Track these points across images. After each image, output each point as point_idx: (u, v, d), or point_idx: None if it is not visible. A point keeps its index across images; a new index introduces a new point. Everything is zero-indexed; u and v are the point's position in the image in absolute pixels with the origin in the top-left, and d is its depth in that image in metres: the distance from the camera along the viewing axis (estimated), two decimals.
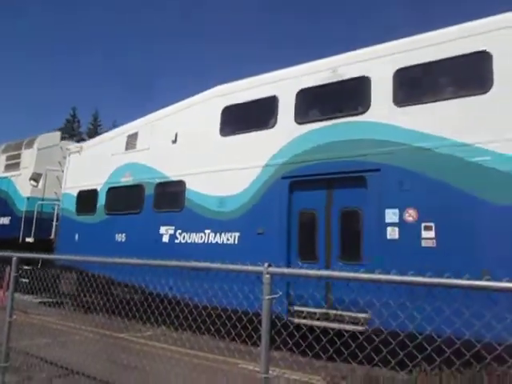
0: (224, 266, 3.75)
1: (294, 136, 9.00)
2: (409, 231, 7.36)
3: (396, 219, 7.52)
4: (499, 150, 6.79)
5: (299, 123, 9.05)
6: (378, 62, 8.35)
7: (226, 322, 4.90)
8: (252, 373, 5.92)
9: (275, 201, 8.94)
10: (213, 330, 4.89)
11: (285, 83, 9.44)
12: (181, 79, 75.62)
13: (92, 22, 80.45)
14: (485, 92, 7.12)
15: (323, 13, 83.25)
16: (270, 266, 3.34)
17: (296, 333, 4.08)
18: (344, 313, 7.47)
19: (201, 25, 79.91)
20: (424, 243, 7.19)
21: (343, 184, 8.33)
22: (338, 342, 3.97)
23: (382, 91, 8.13)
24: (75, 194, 13.15)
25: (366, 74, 8.39)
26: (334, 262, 8.16)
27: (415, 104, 7.81)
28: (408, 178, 7.55)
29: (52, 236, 14.38)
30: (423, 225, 7.27)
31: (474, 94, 7.23)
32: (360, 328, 6.90)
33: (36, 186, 15.65)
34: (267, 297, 3.28)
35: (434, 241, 7.13)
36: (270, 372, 3.20)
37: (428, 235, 7.21)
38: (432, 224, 7.20)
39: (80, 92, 73.65)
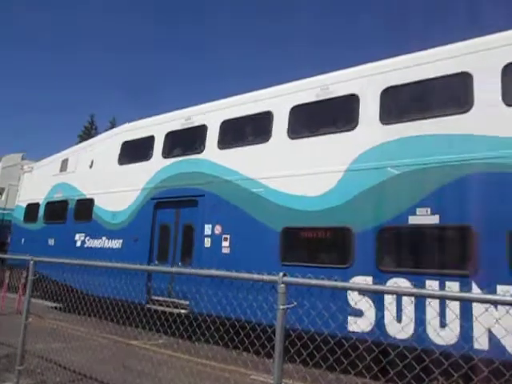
0: (239, 275, 3.75)
1: (161, 167, 11.69)
2: (216, 241, 9.97)
3: (210, 232, 10.15)
4: (270, 184, 9.33)
5: (164, 157, 11.74)
6: (211, 115, 11.01)
7: (240, 331, 4.88)
8: None
9: (146, 216, 11.61)
10: (226, 338, 4.88)
11: (160, 127, 12.18)
12: (191, 83, 76.30)
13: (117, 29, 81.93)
14: (266, 142, 9.71)
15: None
16: (284, 275, 3.32)
17: (310, 344, 4.04)
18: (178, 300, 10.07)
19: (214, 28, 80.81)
20: (223, 250, 9.83)
21: (185, 205, 10.91)
22: (353, 354, 3.92)
23: (213, 138, 10.73)
24: (25, 205, 15.98)
25: (204, 123, 11.05)
26: (177, 262, 10.92)
27: (228, 148, 10.45)
28: (218, 201, 10.14)
29: (8, 240, 17.05)
30: (223, 236, 9.89)
31: (259, 143, 9.86)
32: (182, 311, 9.12)
33: None
34: (282, 306, 3.25)
35: (229, 248, 9.77)
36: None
37: (225, 244, 9.84)
38: (228, 236, 9.83)
39: (98, 98, 74.76)
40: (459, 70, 7.59)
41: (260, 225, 9.27)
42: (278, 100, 9.76)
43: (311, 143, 8.98)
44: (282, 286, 3.28)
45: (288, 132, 9.33)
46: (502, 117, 7.06)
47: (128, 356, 7.75)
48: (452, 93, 7.92)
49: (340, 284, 3.33)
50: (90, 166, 13.78)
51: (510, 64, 7.12)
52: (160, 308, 9.68)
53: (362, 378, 5.42)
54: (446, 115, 7.52)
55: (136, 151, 12.64)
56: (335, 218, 8.27)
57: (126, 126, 13.41)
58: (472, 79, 7.41)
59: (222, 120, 10.62)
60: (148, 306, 10.32)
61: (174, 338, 8.07)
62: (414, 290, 3.20)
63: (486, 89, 7.25)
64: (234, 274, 3.83)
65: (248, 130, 10.49)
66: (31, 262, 5.84)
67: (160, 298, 10.29)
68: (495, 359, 3.28)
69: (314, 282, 3.30)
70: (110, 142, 13.49)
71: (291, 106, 9.43)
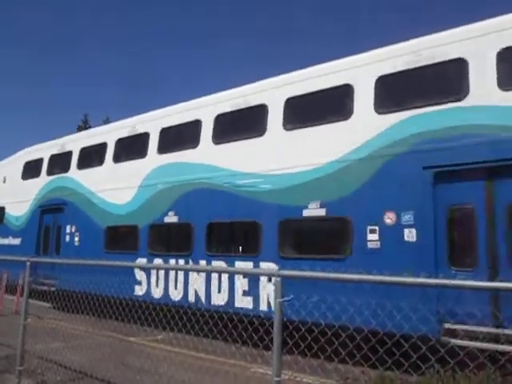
0: (238, 270, 3.78)
1: (45, 182, 15.27)
2: (72, 237, 13.72)
3: (69, 231, 13.90)
4: (101, 196, 12.85)
5: (47, 175, 15.29)
6: (76, 144, 14.52)
7: (238, 324, 4.92)
8: (264, 376, 5.93)
9: (36, 219, 15.36)
10: (225, 333, 4.91)
11: (48, 151, 15.67)
12: (187, 80, 76.07)
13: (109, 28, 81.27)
14: (101, 165, 13.26)
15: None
16: (280, 268, 3.35)
17: (308, 336, 4.09)
18: None
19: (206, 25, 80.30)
20: (75, 243, 13.52)
21: (58, 211, 14.39)
22: (351, 345, 3.97)
23: (74, 161, 14.23)
24: None
25: (71, 149, 14.55)
26: (53, 254, 14.46)
27: (83, 168, 13.92)
28: (74, 208, 13.70)
29: None
30: (76, 233, 13.60)
31: (98, 166, 13.38)
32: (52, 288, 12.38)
33: None
34: (278, 299, 3.28)
35: (79, 242, 13.47)
36: (282, 375, 3.20)
37: (76, 239, 13.60)
38: (78, 233, 13.55)
39: (92, 97, 74.25)
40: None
41: (96, 224, 12.87)
42: (110, 134, 13.38)
43: (125, 166, 12.45)
44: (278, 279, 3.30)
45: (113, 158, 12.89)
46: (212, 152, 10.30)
47: (127, 353, 7.79)
48: (191, 134, 10.93)
49: (332, 275, 3.36)
50: (4, 181, 17.83)
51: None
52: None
53: (360, 367, 5.51)
54: (186, 149, 10.94)
55: (32, 169, 16.17)
56: (131, 219, 11.86)
57: (28, 149, 17.20)
58: (201, 123, 10.73)
59: (80, 147, 14.24)
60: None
61: (172, 333, 8.10)
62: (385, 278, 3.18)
63: (207, 132, 10.61)
64: (233, 268, 3.87)
65: (93, 155, 13.77)
66: (28, 264, 5.84)
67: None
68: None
69: (308, 274, 3.34)
70: (17, 162, 17.24)
71: (116, 139, 13.00)
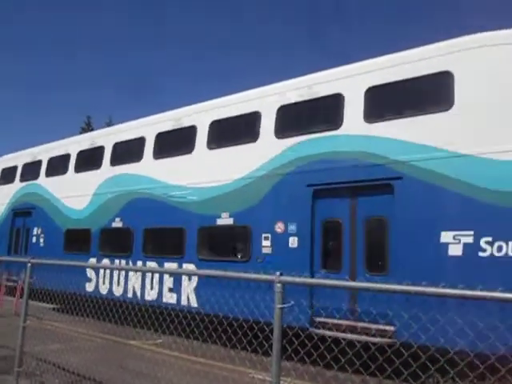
0: (237, 275, 3.78)
1: (17, 188, 16.73)
2: (37, 238, 15.11)
3: (35, 232, 15.21)
4: (63, 201, 14.29)
5: (20, 181, 16.71)
6: (44, 155, 15.88)
7: (237, 330, 4.91)
8: (263, 382, 5.90)
9: (8, 222, 16.79)
10: (224, 338, 4.90)
11: (21, 159, 17.15)
12: (189, 81, 76.26)
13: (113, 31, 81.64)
14: (64, 174, 14.75)
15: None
16: (281, 274, 3.33)
17: (308, 342, 4.07)
18: None
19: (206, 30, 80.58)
20: (41, 244, 14.94)
21: (28, 215, 15.72)
22: (350, 353, 3.96)
23: (43, 169, 15.67)
24: None
25: (41, 158, 16.04)
26: (21, 253, 15.55)
27: (50, 176, 15.30)
28: (41, 212, 15.01)
29: None
30: (41, 235, 14.98)
31: (62, 174, 14.82)
32: None
33: None
34: (279, 306, 3.27)
35: (43, 243, 14.85)
36: (281, 382, 3.19)
37: (42, 240, 14.93)
38: (43, 234, 14.93)
39: (95, 99, 74.44)
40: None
41: (57, 227, 14.15)
42: (73, 146, 14.73)
43: (83, 176, 13.85)
44: (279, 285, 3.29)
45: (75, 168, 14.32)
46: (152, 166, 11.75)
47: (126, 356, 7.77)
48: (137, 149, 12.25)
49: (330, 282, 3.37)
50: None
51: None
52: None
53: (359, 375, 5.48)
54: (132, 162, 12.31)
55: (7, 176, 17.66)
56: (86, 223, 13.29)
57: (5, 157, 18.63)
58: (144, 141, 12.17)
59: (48, 157, 15.60)
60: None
61: (171, 337, 8.09)
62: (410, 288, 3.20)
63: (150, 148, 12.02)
64: (231, 273, 3.86)
65: (59, 164, 15.02)
66: (28, 265, 5.84)
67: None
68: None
69: (309, 280, 3.34)
70: None
71: (78, 150, 14.44)
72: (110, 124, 42.73)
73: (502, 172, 6.76)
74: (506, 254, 6.44)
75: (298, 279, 3.54)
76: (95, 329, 9.03)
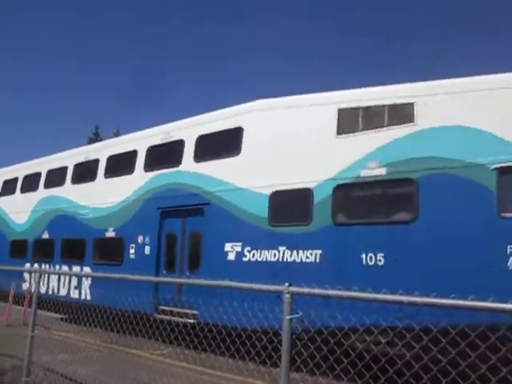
0: (245, 285, 3.77)
1: None
2: None
3: None
4: (11, 216, 17.75)
5: None
6: None
7: (246, 341, 4.88)
8: None
9: None
10: (233, 349, 4.88)
11: None
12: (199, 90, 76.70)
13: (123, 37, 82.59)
14: (13, 194, 18.12)
15: None
16: (290, 285, 3.32)
17: (316, 353, 4.04)
18: None
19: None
20: None
21: None
22: (360, 364, 3.92)
23: (19, 187, 18.00)
24: None
25: (18, 175, 18.43)
26: None
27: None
28: None
29: None
30: None
31: (11, 195, 18.30)
32: None
33: None
34: (287, 317, 3.25)
35: None
36: None
37: None
38: None
39: (103, 109, 75.15)
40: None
41: (6, 237, 17.53)
42: (22, 171, 18.18)
43: (25, 196, 17.19)
44: (288, 295, 3.27)
45: (20, 190, 17.73)
46: (70, 189, 15.08)
47: (133, 367, 7.74)
48: (60, 175, 15.77)
49: (345, 293, 3.34)
50: None
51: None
52: None
53: None
54: (57, 186, 15.67)
55: None
56: (24, 234, 16.52)
57: None
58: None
59: (3, 179, 18.99)
60: None
61: (179, 348, 8.06)
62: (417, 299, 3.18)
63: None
64: (241, 284, 3.85)
65: (10, 186, 18.41)
66: (37, 274, 5.87)
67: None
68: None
69: (317, 291, 3.31)
70: None
71: (24, 174, 17.89)
72: (117, 134, 43.05)
73: (255, 201, 9.58)
74: (256, 258, 9.30)
75: (305, 290, 3.51)
76: (102, 339, 9.02)
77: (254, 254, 9.33)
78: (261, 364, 5.17)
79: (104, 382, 6.34)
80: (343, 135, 8.82)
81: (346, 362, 3.79)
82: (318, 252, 8.48)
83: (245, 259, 9.39)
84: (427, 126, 7.84)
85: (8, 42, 75.76)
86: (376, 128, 8.41)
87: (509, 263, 6.71)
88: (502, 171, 6.93)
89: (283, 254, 8.92)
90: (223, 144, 10.88)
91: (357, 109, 8.83)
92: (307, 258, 8.60)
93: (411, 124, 8.00)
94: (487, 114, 7.42)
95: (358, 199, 8.60)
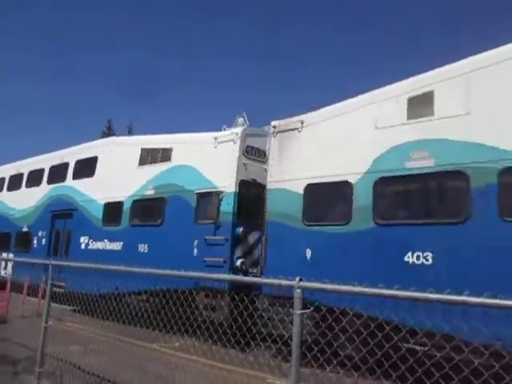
0: (257, 280, 3.76)
1: None
2: None
3: None
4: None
5: None
6: None
7: (257, 336, 4.88)
8: None
9: None
10: (243, 342, 4.88)
11: None
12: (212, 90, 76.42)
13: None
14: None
15: None
16: (301, 280, 3.27)
17: (327, 349, 4.02)
18: None
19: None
20: None
21: None
22: (370, 360, 3.89)
23: None
24: None
25: None
26: None
27: None
28: None
29: None
30: None
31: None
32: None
33: None
34: (298, 312, 3.21)
35: None
36: None
37: None
38: None
39: (116, 104, 75.61)
40: None
41: None
42: None
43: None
44: (299, 290, 3.23)
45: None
46: (7, 196, 20.93)
47: (145, 359, 7.78)
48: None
49: (357, 289, 3.30)
50: None
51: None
52: None
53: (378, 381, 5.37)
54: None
55: None
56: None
57: None
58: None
59: None
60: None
61: (190, 341, 8.09)
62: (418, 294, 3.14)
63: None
64: (254, 278, 3.85)
65: None
66: (50, 267, 5.92)
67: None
68: None
69: (330, 286, 3.28)
70: None
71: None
72: (130, 128, 43.24)
73: (99, 208, 15.36)
74: (93, 247, 15.07)
75: (317, 284, 3.46)
76: (113, 331, 9.09)
77: (93, 244, 14.84)
78: (271, 359, 5.16)
79: (116, 374, 6.38)
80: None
81: (356, 357, 3.75)
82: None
83: (89, 247, 14.93)
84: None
85: (28, 38, 76.43)
86: None
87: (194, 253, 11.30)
88: (199, 194, 11.70)
89: (108, 244, 14.32)
90: (86, 167, 16.12)
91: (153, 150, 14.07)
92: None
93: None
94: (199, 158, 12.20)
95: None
